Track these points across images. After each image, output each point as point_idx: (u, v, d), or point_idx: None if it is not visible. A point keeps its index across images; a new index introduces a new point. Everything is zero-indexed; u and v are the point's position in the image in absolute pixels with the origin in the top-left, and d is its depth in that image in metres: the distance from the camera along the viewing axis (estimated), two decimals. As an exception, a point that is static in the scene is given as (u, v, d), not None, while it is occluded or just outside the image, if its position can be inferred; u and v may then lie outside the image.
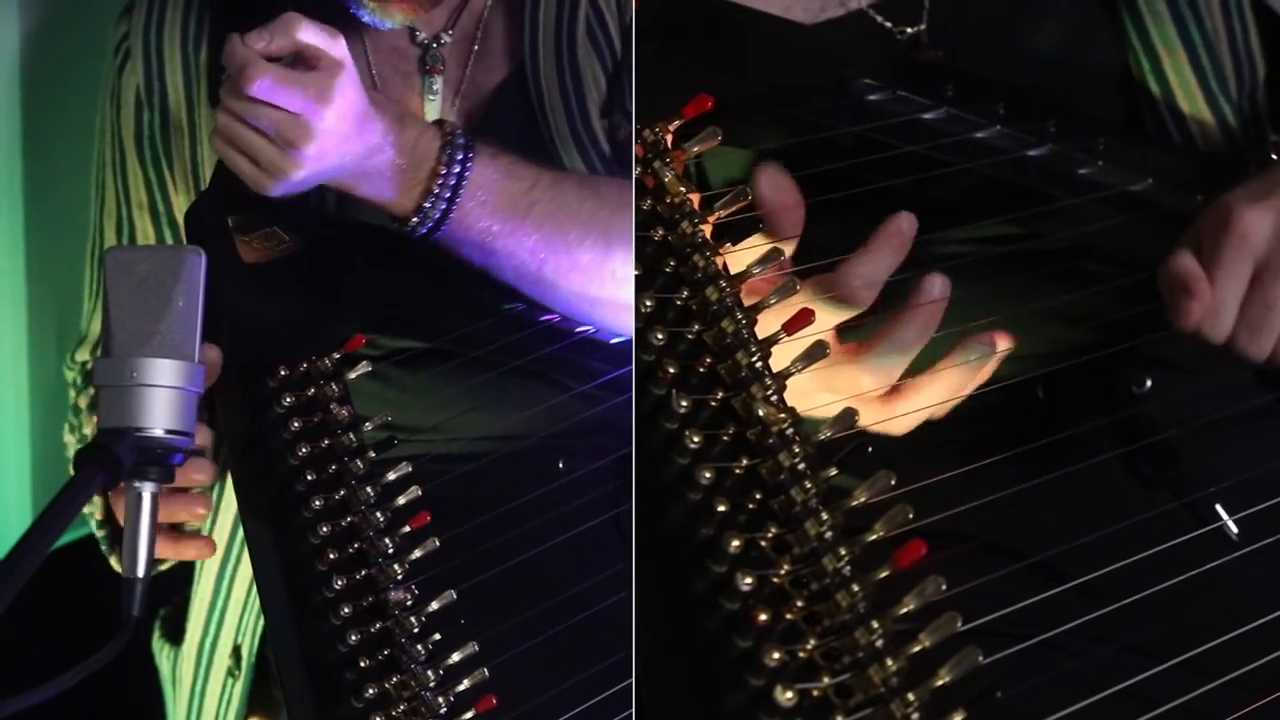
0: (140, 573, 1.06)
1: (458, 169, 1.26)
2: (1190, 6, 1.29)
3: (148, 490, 1.06)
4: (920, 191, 1.13)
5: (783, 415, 0.94)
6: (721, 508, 0.91)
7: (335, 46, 1.22)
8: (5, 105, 1.75)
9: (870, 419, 1.06)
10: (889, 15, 1.28)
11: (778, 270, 1.01)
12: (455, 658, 1.14)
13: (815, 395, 1.03)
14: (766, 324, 0.98)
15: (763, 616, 0.87)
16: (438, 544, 1.17)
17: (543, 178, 1.29)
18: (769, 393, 0.95)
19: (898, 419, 1.08)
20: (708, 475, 0.91)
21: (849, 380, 1.07)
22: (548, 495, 1.26)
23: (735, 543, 0.89)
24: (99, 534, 1.43)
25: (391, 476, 1.20)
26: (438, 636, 1.15)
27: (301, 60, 1.23)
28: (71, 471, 1.45)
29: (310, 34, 1.22)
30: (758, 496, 0.92)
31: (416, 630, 1.15)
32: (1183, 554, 1.07)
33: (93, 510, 1.40)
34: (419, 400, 1.34)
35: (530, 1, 1.41)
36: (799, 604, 0.88)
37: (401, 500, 1.19)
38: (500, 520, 1.22)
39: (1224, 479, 1.18)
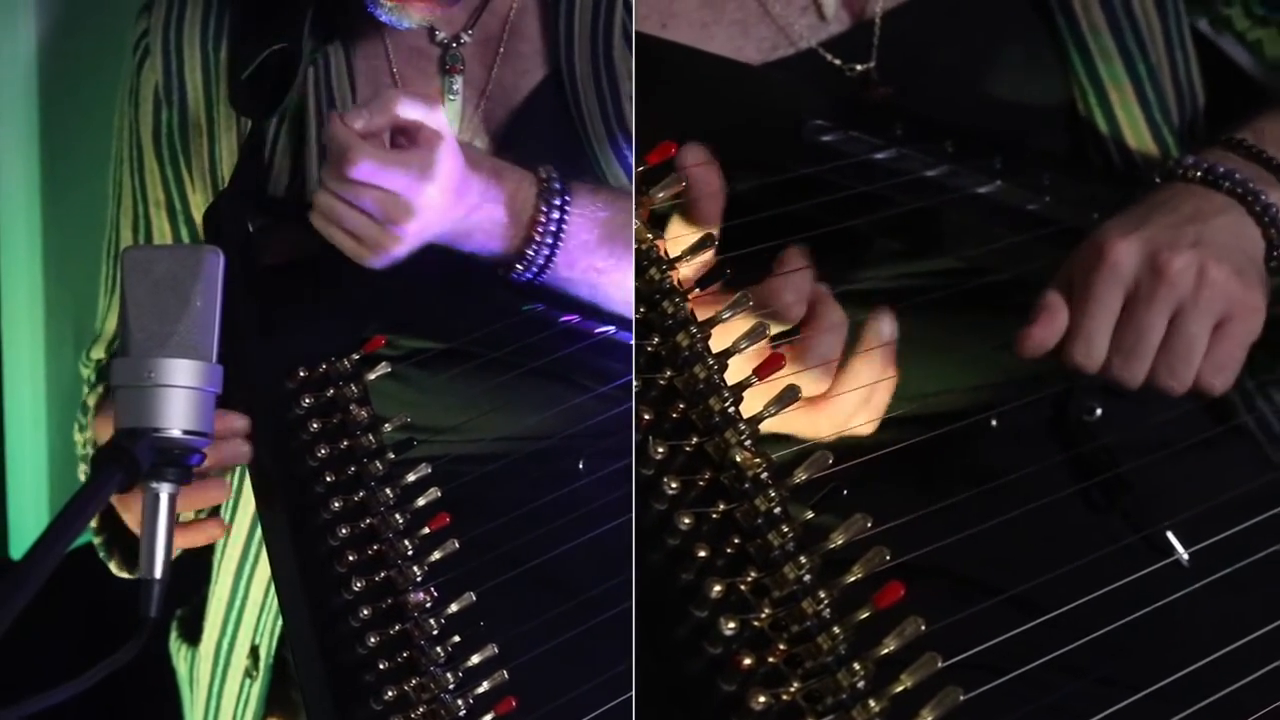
0: (158, 574, 1.06)
1: (557, 214, 1.28)
2: (1136, 41, 1.30)
3: (165, 491, 1.05)
4: (871, 230, 1.15)
5: (758, 460, 0.95)
6: (701, 553, 0.92)
7: (433, 117, 1.24)
8: (22, 104, 1.75)
9: (802, 423, 1.08)
10: (838, 53, 1.28)
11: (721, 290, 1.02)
12: (475, 660, 1.14)
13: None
14: (735, 368, 0.99)
15: (746, 661, 0.88)
16: (457, 545, 1.17)
17: (620, 199, 1.31)
18: (743, 437, 0.96)
19: (828, 418, 1.09)
20: (686, 521, 0.93)
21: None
22: (567, 497, 1.26)
23: (716, 588, 0.90)
24: (96, 540, 1.43)
25: (411, 478, 1.19)
26: (457, 638, 1.15)
27: (400, 133, 1.24)
28: (85, 470, 1.46)
29: (409, 109, 1.24)
30: (736, 541, 0.93)
31: (436, 632, 1.15)
32: (1146, 584, 1.08)
33: None
34: (438, 401, 1.34)
35: (565, 5, 1.40)
36: (781, 647, 0.89)
37: (421, 501, 1.19)
38: (520, 522, 1.22)
39: (1175, 506, 1.19)
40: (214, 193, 1.42)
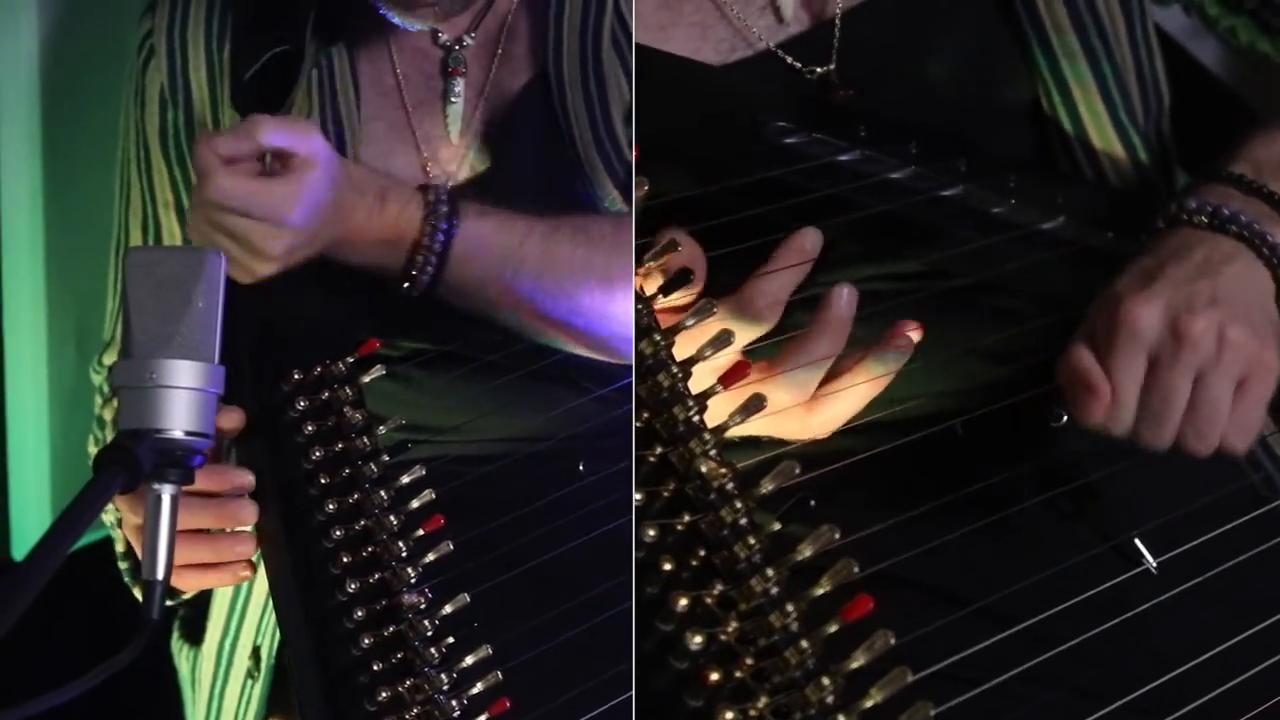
0: (160, 575, 1.05)
1: (441, 236, 1.28)
2: (1100, 38, 1.30)
3: (167, 492, 1.05)
4: (837, 233, 1.14)
5: (723, 470, 0.94)
6: (666, 566, 0.91)
7: (306, 143, 1.24)
8: (24, 105, 1.74)
9: (790, 427, 1.09)
10: (798, 55, 1.28)
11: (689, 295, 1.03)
12: (469, 661, 1.14)
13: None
14: (700, 377, 0.98)
15: (713, 676, 0.88)
16: (451, 547, 1.17)
17: (535, 229, 1.30)
18: (707, 447, 0.95)
19: (820, 421, 1.10)
20: (651, 533, 0.92)
21: (768, 397, 1.07)
22: (566, 498, 1.26)
23: (682, 601, 0.89)
24: (122, 566, 1.44)
25: (405, 480, 1.20)
26: (451, 640, 1.15)
27: (275, 158, 1.24)
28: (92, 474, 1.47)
29: (278, 135, 1.24)
30: (701, 553, 0.92)
31: (430, 633, 1.15)
32: (1116, 594, 1.08)
33: (117, 544, 1.41)
34: (437, 403, 1.34)
35: (555, 6, 1.40)
36: (748, 661, 0.88)
37: (415, 503, 1.19)
38: (517, 523, 1.22)
39: (1144, 515, 1.19)
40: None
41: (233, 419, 1.23)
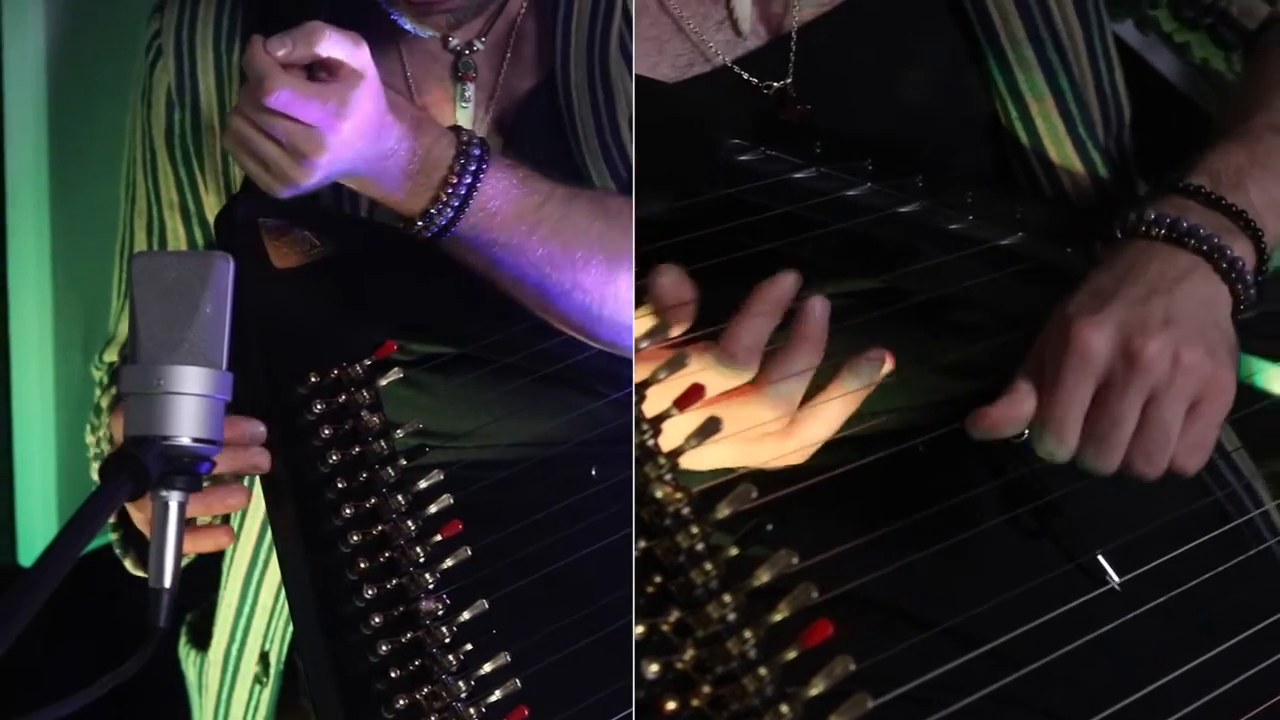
0: (166, 583, 1.05)
1: (469, 179, 1.26)
2: (1058, 52, 1.28)
3: (175, 500, 1.05)
4: (794, 251, 1.13)
5: (678, 495, 0.92)
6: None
7: (356, 56, 1.23)
8: (31, 106, 1.75)
9: (767, 453, 1.08)
10: (754, 71, 1.27)
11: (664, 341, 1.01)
12: (487, 668, 1.13)
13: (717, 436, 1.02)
14: (656, 399, 0.97)
15: (670, 705, 0.86)
16: (469, 553, 1.16)
17: (556, 193, 1.29)
18: (662, 471, 0.93)
19: (798, 445, 1.08)
20: None
21: (750, 416, 1.07)
22: (580, 503, 1.25)
23: (638, 629, 0.88)
24: (113, 536, 1.43)
25: (423, 484, 1.18)
26: (469, 647, 1.14)
27: (322, 67, 1.23)
28: (94, 473, 1.46)
29: (332, 44, 1.22)
30: (657, 579, 0.91)
31: (448, 640, 1.14)
32: (1081, 613, 1.07)
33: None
34: (451, 407, 1.34)
35: (563, 10, 1.40)
36: (705, 690, 0.87)
37: (433, 508, 1.18)
38: (533, 529, 1.21)
39: (1107, 532, 1.18)
40: (226, 195, 1.42)
41: (255, 431, 1.22)
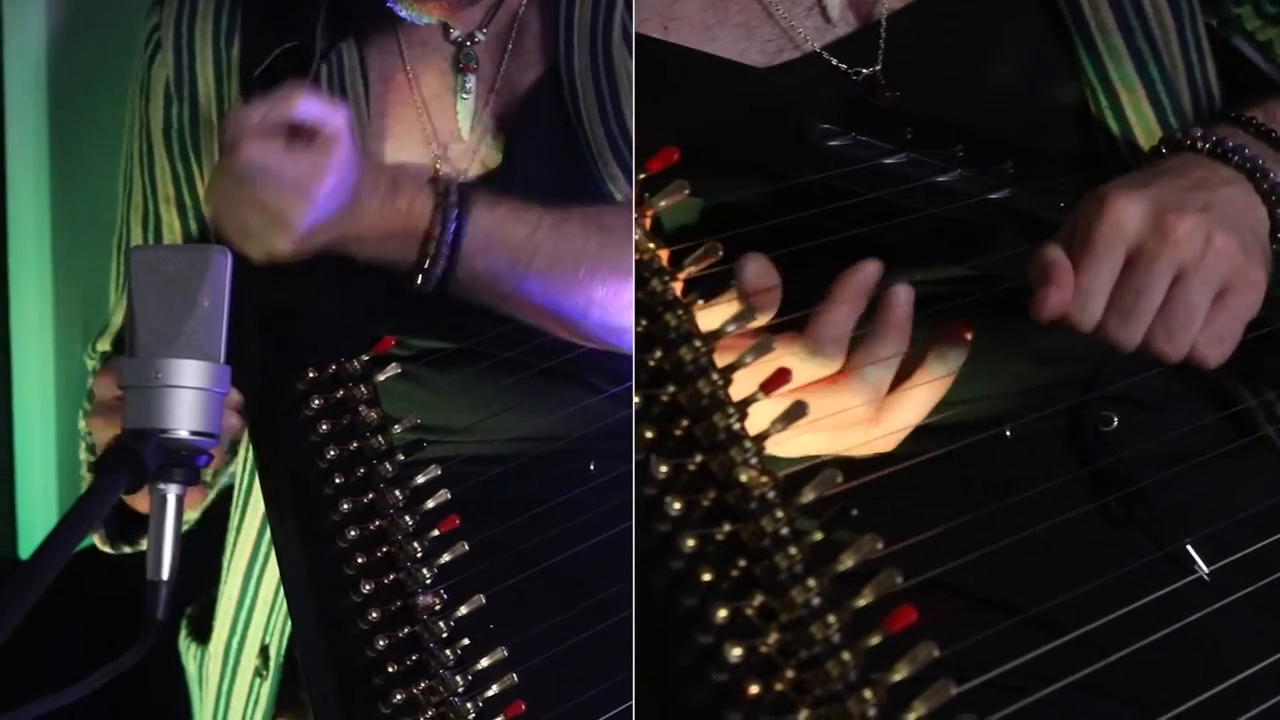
0: (165, 575, 1.05)
1: (453, 227, 1.26)
2: (1148, 41, 1.27)
3: (172, 492, 1.05)
4: (883, 237, 1.12)
5: (764, 479, 0.91)
6: (706, 576, 0.88)
7: (333, 119, 1.23)
8: (31, 101, 1.75)
9: (855, 441, 1.07)
10: (844, 57, 1.26)
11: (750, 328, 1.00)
12: (484, 663, 1.13)
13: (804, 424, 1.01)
14: (742, 384, 0.95)
15: (753, 689, 0.85)
16: (467, 548, 1.16)
17: (545, 219, 1.29)
18: (748, 455, 0.92)
19: (885, 433, 1.08)
20: (690, 543, 0.89)
21: (837, 403, 1.06)
22: (579, 498, 1.25)
23: (721, 612, 0.86)
24: (85, 458, 1.43)
25: (420, 479, 1.19)
26: (466, 641, 1.14)
27: (299, 132, 1.23)
28: (86, 457, 1.46)
29: (309, 107, 1.23)
30: (741, 563, 0.90)
31: (445, 635, 1.14)
32: (1168, 602, 1.06)
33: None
34: (449, 402, 1.34)
35: (566, 1, 1.39)
36: (789, 674, 0.86)
37: (431, 503, 1.18)
38: (531, 523, 1.21)
39: (1196, 521, 1.17)
40: (223, 189, 1.42)
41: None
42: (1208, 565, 1.17)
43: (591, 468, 1.29)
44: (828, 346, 1.04)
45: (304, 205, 1.21)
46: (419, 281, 1.27)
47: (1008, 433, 1.13)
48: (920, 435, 1.10)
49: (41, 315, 1.78)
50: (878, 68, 1.26)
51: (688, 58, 1.19)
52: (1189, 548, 1.17)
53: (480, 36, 1.42)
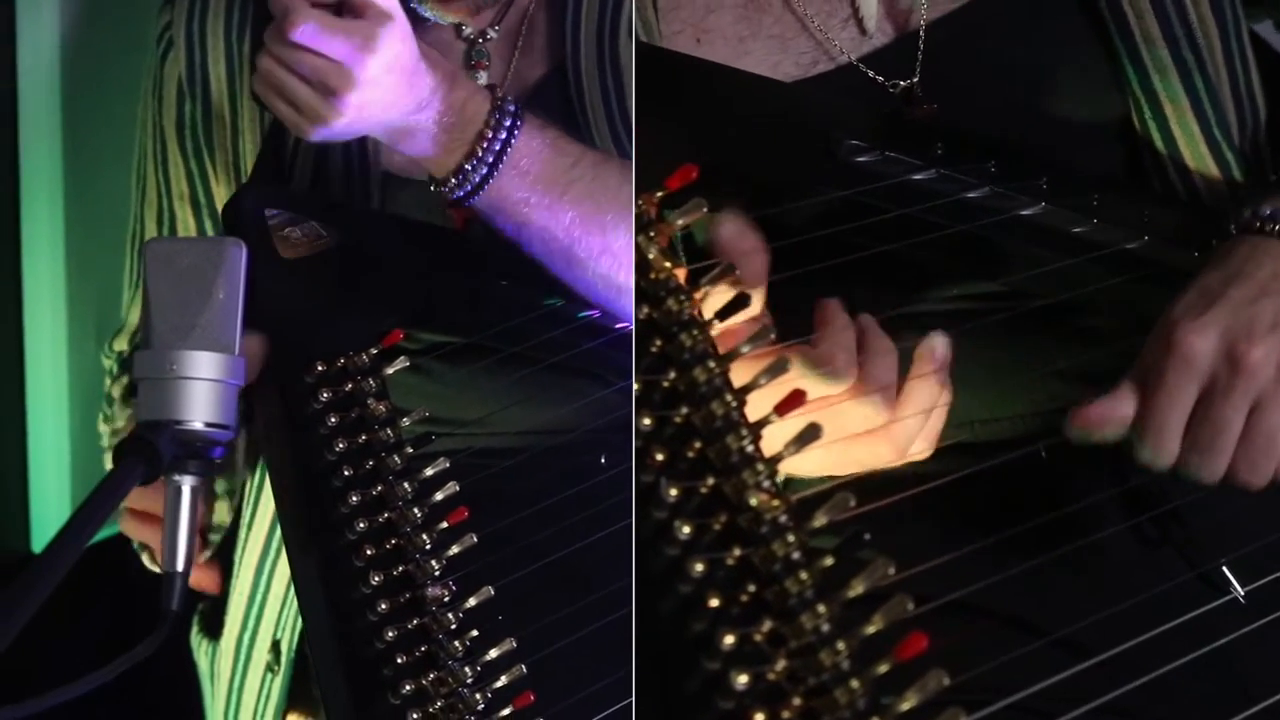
0: (180, 566, 1.06)
1: (504, 134, 1.26)
2: (1193, 52, 1.25)
3: (187, 484, 1.06)
4: (910, 254, 1.11)
5: (776, 502, 0.90)
6: (714, 602, 0.87)
7: None
8: (44, 98, 1.75)
9: (862, 454, 1.05)
10: (880, 69, 1.26)
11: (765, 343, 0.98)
12: (493, 654, 1.13)
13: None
14: (756, 405, 0.94)
15: (758, 717, 0.84)
16: (475, 540, 1.16)
17: (587, 156, 1.29)
18: (761, 478, 0.91)
19: (891, 444, 1.06)
20: (699, 568, 0.88)
21: (849, 417, 1.04)
22: (588, 491, 1.25)
23: (729, 638, 0.85)
24: (106, 442, 1.44)
25: (429, 472, 1.19)
26: (475, 633, 1.14)
27: (349, 8, 1.22)
28: (108, 462, 1.47)
29: None
30: (751, 588, 0.89)
31: (454, 626, 1.14)
32: (1201, 623, 1.05)
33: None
34: (459, 395, 1.34)
35: (573, 0, 1.40)
36: (795, 701, 0.85)
37: (439, 496, 1.18)
38: (540, 516, 1.21)
39: (1232, 542, 1.16)
40: (237, 185, 1.42)
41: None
42: (1243, 587, 1.16)
43: (602, 460, 1.29)
44: (842, 364, 1.02)
45: (356, 73, 1.20)
46: (453, 184, 1.27)
47: (1043, 452, 1.11)
48: (944, 455, 1.08)
49: (55, 311, 1.78)
50: (915, 79, 1.25)
51: (718, 74, 1.18)
52: (1224, 569, 1.16)
53: (492, 34, 1.42)
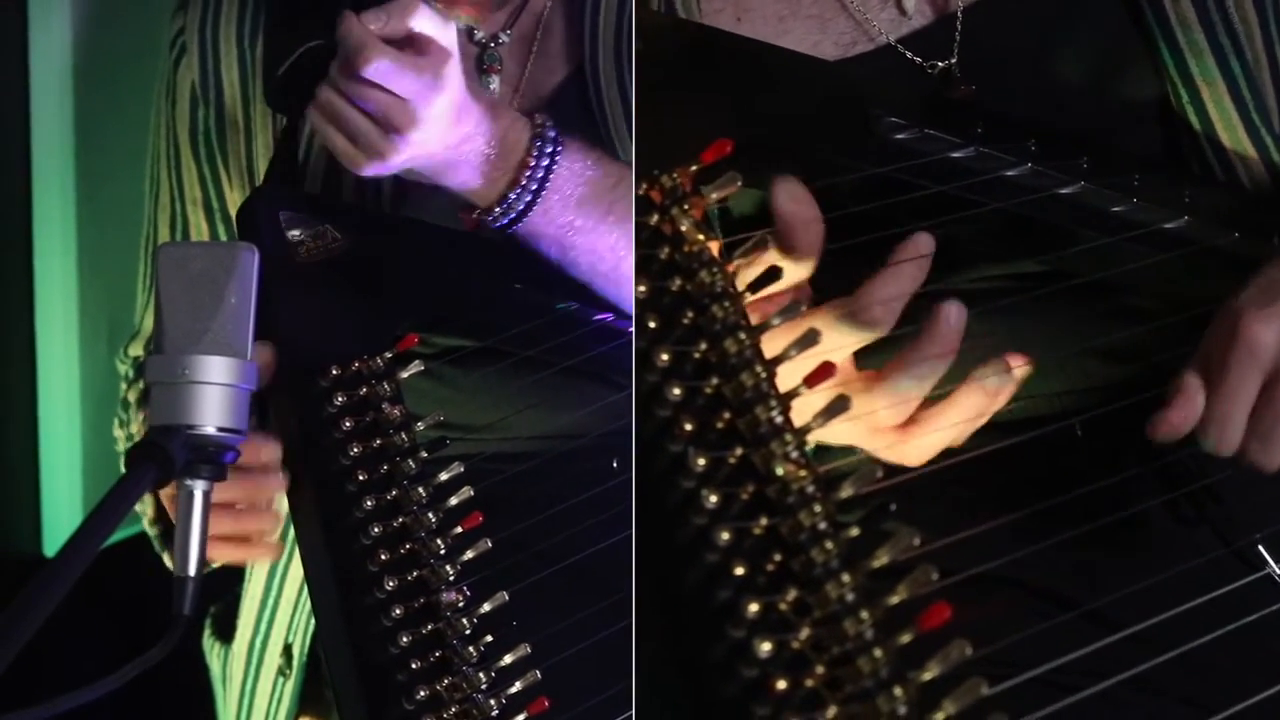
0: (191, 571, 1.05)
1: (546, 161, 1.26)
2: (1230, 36, 1.26)
3: (199, 488, 1.05)
4: (950, 231, 1.09)
5: (803, 473, 0.90)
6: (739, 570, 0.87)
7: (445, 34, 1.22)
8: (57, 101, 1.76)
9: (883, 446, 1.05)
10: (919, 50, 1.26)
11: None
12: (507, 660, 1.13)
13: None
14: (787, 376, 0.94)
15: (780, 684, 0.84)
16: (490, 545, 1.16)
17: (627, 175, 1.29)
18: (789, 449, 0.91)
19: (915, 448, 1.05)
20: (725, 536, 0.88)
21: (864, 406, 1.04)
22: (601, 495, 1.24)
23: (754, 607, 0.85)
24: (151, 531, 1.43)
25: (444, 477, 1.19)
26: (490, 638, 1.14)
27: (410, 44, 1.22)
28: (122, 467, 1.46)
29: (424, 20, 1.22)
30: (777, 558, 0.88)
31: (468, 632, 1.14)
32: (1234, 600, 1.05)
33: (144, 508, 1.40)
34: (472, 400, 1.34)
35: (591, 1, 1.40)
36: (819, 670, 0.85)
37: (454, 501, 1.18)
38: (554, 521, 1.21)
39: (1267, 518, 1.16)
40: (250, 190, 1.42)
41: (270, 457, 1.21)
42: (1278, 564, 1.16)
43: (614, 464, 1.29)
44: (876, 312, 1.00)
45: (419, 113, 1.20)
46: (497, 213, 1.27)
47: (1078, 429, 1.10)
48: (982, 429, 1.07)
49: (66, 313, 1.78)
50: (953, 60, 1.26)
51: (758, 50, 1.17)
52: (1260, 547, 1.16)
53: (504, 38, 1.42)
